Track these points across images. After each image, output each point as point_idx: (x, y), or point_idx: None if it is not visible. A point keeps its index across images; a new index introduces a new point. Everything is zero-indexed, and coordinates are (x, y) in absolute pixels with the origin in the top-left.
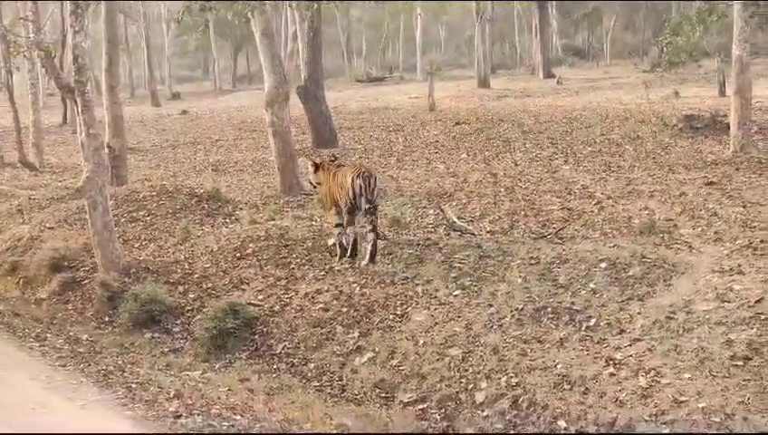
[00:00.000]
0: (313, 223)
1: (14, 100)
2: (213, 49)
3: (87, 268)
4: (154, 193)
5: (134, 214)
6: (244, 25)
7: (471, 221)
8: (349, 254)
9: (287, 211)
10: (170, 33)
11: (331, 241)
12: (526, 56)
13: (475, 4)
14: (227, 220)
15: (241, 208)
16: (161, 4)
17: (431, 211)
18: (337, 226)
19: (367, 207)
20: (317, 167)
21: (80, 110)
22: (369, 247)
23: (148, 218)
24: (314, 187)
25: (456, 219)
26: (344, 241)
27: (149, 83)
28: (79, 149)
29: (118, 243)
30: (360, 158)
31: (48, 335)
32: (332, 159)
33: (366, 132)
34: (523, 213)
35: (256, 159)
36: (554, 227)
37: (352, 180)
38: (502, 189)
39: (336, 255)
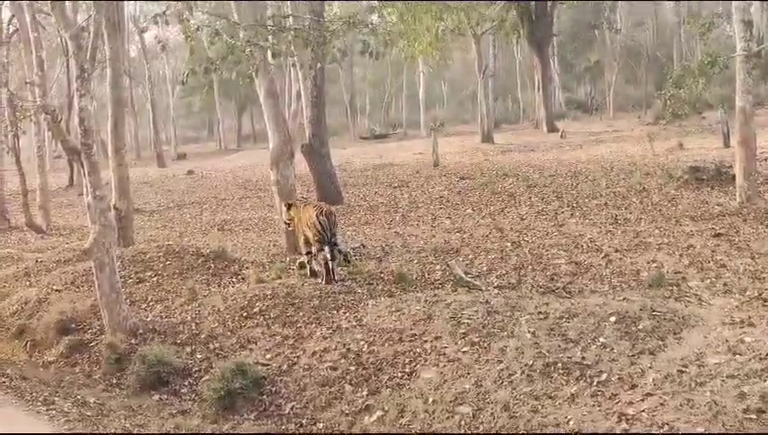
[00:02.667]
0: (320, 281)
1: (20, 163)
2: (217, 109)
3: (94, 330)
4: (161, 254)
5: (141, 275)
6: (248, 86)
7: (478, 276)
8: (324, 278)
9: (293, 270)
10: (175, 94)
11: (299, 261)
12: (529, 111)
13: (477, 59)
14: (234, 279)
15: (247, 267)
16: (166, 65)
17: (438, 267)
18: (307, 253)
19: (331, 238)
20: (289, 206)
21: (86, 172)
22: (329, 267)
23: (155, 279)
24: (287, 224)
25: (463, 275)
26: (314, 266)
27: (155, 144)
28: (85, 210)
29: (125, 304)
30: (366, 214)
31: (56, 399)
32: (301, 199)
33: (371, 189)
34: (530, 267)
35: (262, 218)
36: (562, 282)
37: (317, 216)
38: (508, 244)
39: (306, 275)
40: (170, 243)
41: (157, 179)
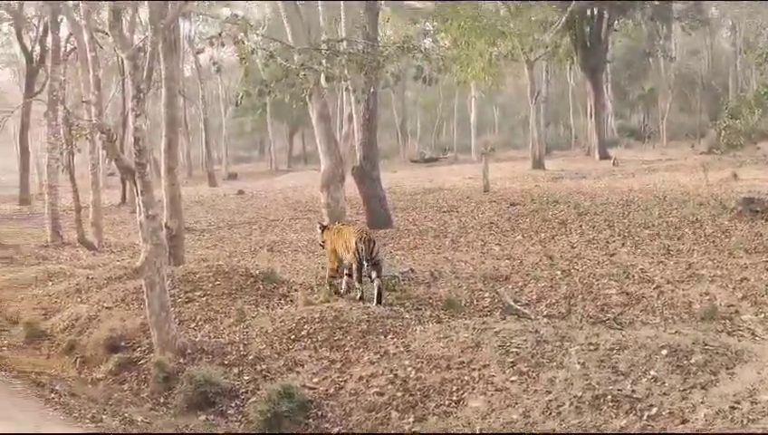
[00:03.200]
0: (369, 305)
1: (74, 180)
2: (269, 130)
3: (143, 348)
4: (210, 273)
5: (190, 294)
6: (300, 107)
7: (527, 304)
8: (359, 297)
9: (341, 292)
10: (228, 114)
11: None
12: (581, 137)
13: (529, 85)
14: (282, 301)
15: (296, 289)
16: (219, 85)
17: (487, 294)
18: (330, 276)
19: (371, 262)
20: (323, 228)
21: (139, 191)
22: (376, 292)
23: (204, 299)
24: (322, 245)
25: (512, 303)
26: (343, 287)
27: (207, 164)
28: (137, 228)
29: (174, 323)
30: (415, 239)
31: (104, 417)
32: (346, 223)
33: (420, 213)
34: (580, 297)
35: (311, 240)
36: (613, 312)
37: (356, 243)
38: (558, 272)
39: (354, 298)
40: (220, 263)
41: (208, 199)
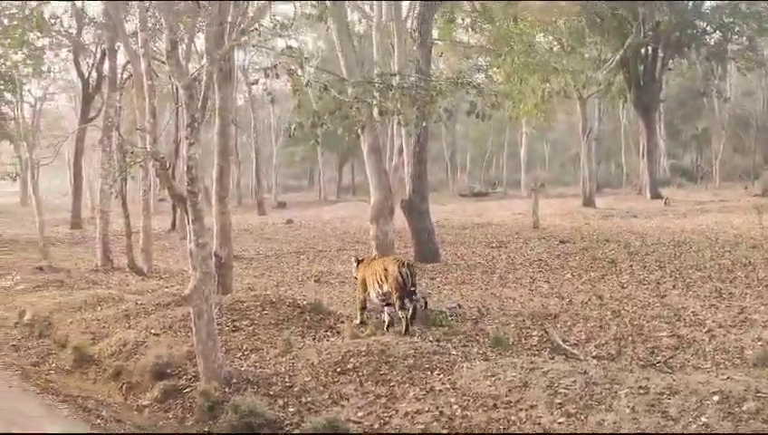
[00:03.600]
0: (415, 340)
1: (126, 206)
2: (319, 160)
3: (189, 376)
4: (257, 303)
5: (237, 323)
6: (350, 138)
7: (576, 344)
8: (404, 330)
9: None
10: (279, 143)
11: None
12: (632, 176)
13: (581, 122)
14: (329, 333)
15: (342, 321)
16: (271, 115)
17: (535, 332)
18: (360, 304)
19: (412, 289)
20: (359, 261)
21: (190, 219)
22: (404, 321)
23: (251, 328)
24: (356, 277)
25: (560, 342)
26: (386, 318)
27: (256, 192)
28: (186, 254)
29: (220, 352)
30: (463, 274)
31: None
32: (396, 257)
33: (469, 248)
34: (630, 338)
35: None
36: (663, 355)
37: (399, 268)
38: (608, 313)
39: (400, 332)
40: (267, 293)
41: (257, 227)
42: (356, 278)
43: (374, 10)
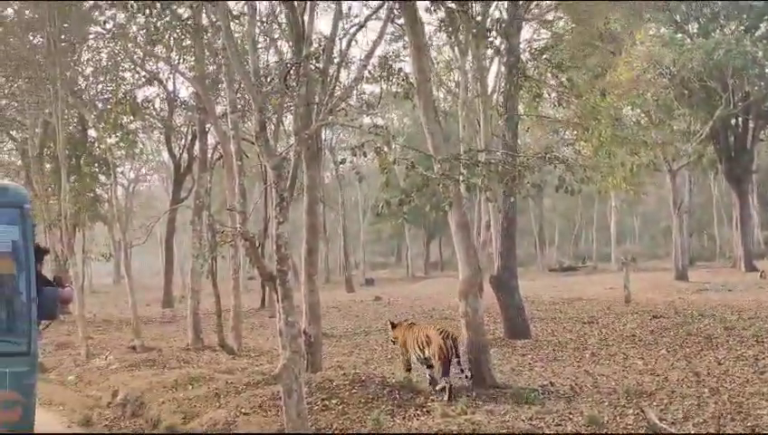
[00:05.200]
0: (507, 419)
1: (217, 285)
2: (406, 236)
3: None
4: (347, 381)
5: (326, 402)
6: (438, 214)
7: (673, 424)
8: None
9: (479, 405)
10: (366, 220)
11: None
12: (726, 248)
13: (672, 194)
14: (419, 412)
15: (433, 400)
16: (358, 192)
17: (630, 411)
18: (405, 365)
19: (456, 360)
20: (393, 326)
21: (280, 297)
22: (448, 387)
23: (341, 407)
24: (393, 341)
25: (657, 421)
26: (428, 380)
27: (344, 269)
28: (275, 332)
29: (310, 431)
30: (554, 350)
31: None
32: (406, 321)
33: (559, 324)
34: (729, 417)
35: None
36: (764, 434)
37: (443, 341)
38: (705, 390)
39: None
40: (357, 371)
41: (345, 304)
42: (393, 341)
43: (460, 87)
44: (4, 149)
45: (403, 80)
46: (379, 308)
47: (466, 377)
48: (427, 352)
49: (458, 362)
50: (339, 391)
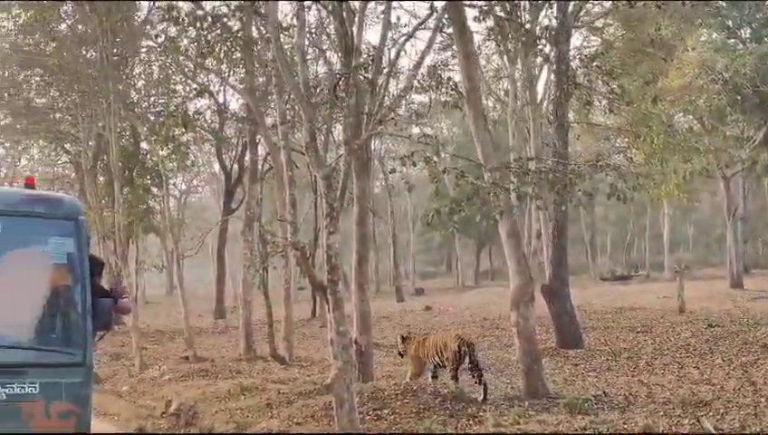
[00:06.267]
0: (560, 429)
1: (268, 295)
2: (456, 246)
3: None
4: (398, 391)
5: (378, 412)
6: (489, 225)
7: (730, 434)
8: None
9: (531, 415)
10: (416, 230)
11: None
12: None
13: (726, 201)
14: (471, 422)
15: (484, 410)
16: (408, 202)
17: (686, 421)
18: (413, 378)
19: (473, 365)
20: (404, 339)
21: (331, 307)
22: (483, 388)
23: (392, 417)
24: (401, 354)
25: (713, 431)
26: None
27: (395, 279)
28: (326, 342)
29: None
30: (607, 360)
31: None
32: (414, 334)
33: (612, 333)
34: None
35: (499, 359)
36: None
37: (459, 347)
38: (762, 400)
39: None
40: (408, 381)
41: (395, 314)
42: (400, 354)
43: (509, 95)
44: (59, 162)
45: (452, 89)
46: (430, 318)
47: (477, 383)
48: (444, 355)
49: (471, 369)
50: (390, 400)
